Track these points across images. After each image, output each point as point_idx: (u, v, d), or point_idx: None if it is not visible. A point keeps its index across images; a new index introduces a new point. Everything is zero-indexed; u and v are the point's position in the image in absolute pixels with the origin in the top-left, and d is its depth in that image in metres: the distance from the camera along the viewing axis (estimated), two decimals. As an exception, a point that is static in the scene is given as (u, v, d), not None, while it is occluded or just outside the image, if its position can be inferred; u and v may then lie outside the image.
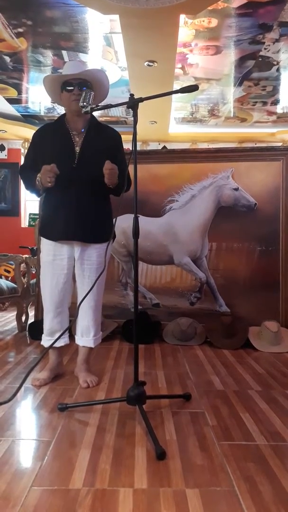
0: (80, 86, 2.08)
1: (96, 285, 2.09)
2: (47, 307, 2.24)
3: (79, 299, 2.13)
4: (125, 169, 2.02)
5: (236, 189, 3.49)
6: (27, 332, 3.55)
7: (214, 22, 3.58)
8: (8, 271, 5.26)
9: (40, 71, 4.56)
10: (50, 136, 2.19)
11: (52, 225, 2.17)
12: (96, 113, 2.19)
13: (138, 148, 6.43)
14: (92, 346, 2.28)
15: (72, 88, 2.09)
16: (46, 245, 2.22)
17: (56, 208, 2.15)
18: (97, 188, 2.13)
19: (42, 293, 2.28)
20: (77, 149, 2.13)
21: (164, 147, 6.46)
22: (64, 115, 2.23)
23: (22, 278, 3.93)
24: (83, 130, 2.16)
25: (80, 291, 2.24)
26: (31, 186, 2.16)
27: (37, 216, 3.94)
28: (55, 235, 2.17)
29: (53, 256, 2.19)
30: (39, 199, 3.61)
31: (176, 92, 1.84)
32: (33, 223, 6.35)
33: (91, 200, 2.14)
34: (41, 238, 2.26)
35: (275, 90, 5.02)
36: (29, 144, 2.31)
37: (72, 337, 2.38)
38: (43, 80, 2.17)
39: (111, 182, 2.02)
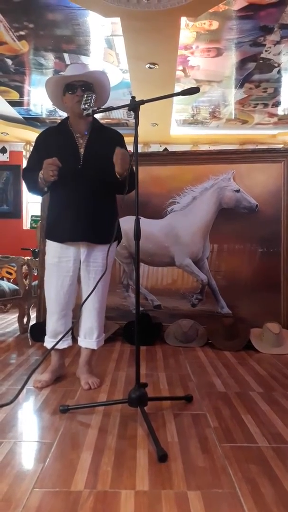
0: (83, 88, 2.09)
1: (100, 287, 2.09)
2: (52, 309, 2.24)
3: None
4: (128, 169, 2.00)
5: (238, 191, 3.49)
6: (28, 334, 3.55)
7: (215, 24, 3.59)
8: (10, 273, 5.27)
9: (42, 73, 4.57)
10: (54, 139, 2.20)
11: (59, 227, 2.17)
12: (97, 115, 2.20)
13: (140, 150, 6.44)
14: (95, 347, 2.28)
15: (75, 90, 2.10)
16: (52, 247, 2.22)
17: (62, 210, 2.16)
18: (102, 189, 2.14)
19: (46, 295, 2.27)
20: (82, 151, 2.14)
21: (165, 149, 6.48)
22: (67, 118, 2.24)
23: (24, 280, 3.94)
24: (86, 132, 2.17)
25: (85, 293, 2.23)
26: (34, 186, 2.15)
27: (39, 218, 3.95)
28: (62, 236, 2.17)
29: (59, 258, 2.19)
30: (41, 201, 3.64)
31: (178, 94, 1.85)
32: (35, 225, 6.35)
33: (97, 201, 2.15)
34: (47, 240, 2.25)
35: (276, 92, 5.02)
36: (32, 147, 2.31)
37: (74, 338, 2.38)
38: (46, 83, 2.17)
39: (123, 168, 1.97)
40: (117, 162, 1.97)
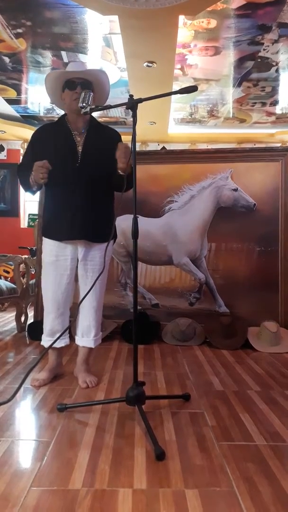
0: (83, 86, 2.08)
1: (98, 286, 2.09)
2: (49, 307, 2.23)
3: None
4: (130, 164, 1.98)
5: (235, 190, 3.49)
6: (26, 333, 3.55)
7: (213, 23, 3.58)
8: (8, 272, 5.26)
9: (40, 71, 4.56)
10: (51, 136, 2.18)
11: (57, 226, 2.16)
12: (95, 114, 2.19)
13: (138, 148, 6.44)
14: (93, 346, 2.28)
15: (75, 87, 2.09)
16: (48, 245, 2.21)
17: (60, 208, 2.15)
18: (99, 187, 2.14)
19: (43, 294, 2.27)
20: (80, 148, 2.13)
21: (164, 147, 6.47)
22: (64, 115, 2.23)
23: (22, 278, 3.93)
24: (83, 130, 2.17)
25: (83, 292, 2.23)
26: (26, 185, 2.13)
27: (37, 217, 3.95)
28: (60, 235, 2.16)
29: (56, 257, 2.19)
30: (38, 199, 3.63)
31: (176, 93, 1.84)
32: (33, 224, 6.35)
33: (94, 199, 2.14)
34: (44, 238, 2.25)
35: (274, 91, 5.02)
36: (28, 143, 2.30)
37: (71, 337, 2.38)
38: (46, 77, 2.16)
39: (125, 163, 1.92)
40: (120, 157, 1.95)
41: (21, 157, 6.84)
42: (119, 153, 1.95)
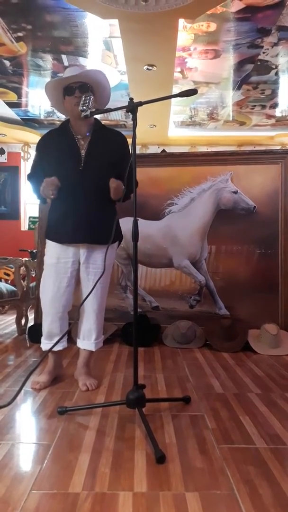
0: (81, 89, 2.09)
1: (100, 289, 2.09)
2: (47, 310, 2.23)
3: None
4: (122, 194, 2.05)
5: (235, 192, 3.50)
6: (26, 335, 3.55)
7: (213, 26, 3.60)
8: (8, 274, 5.26)
9: (40, 75, 4.57)
10: (55, 141, 2.20)
11: (60, 228, 2.17)
12: (95, 117, 2.20)
13: (138, 151, 6.44)
14: (93, 349, 2.28)
15: (73, 92, 2.10)
16: (51, 247, 2.22)
17: (64, 211, 2.16)
18: (103, 191, 2.14)
19: (42, 296, 2.26)
20: (83, 152, 2.14)
21: (164, 150, 6.48)
22: (67, 120, 2.24)
23: (22, 281, 3.93)
24: (88, 134, 2.17)
25: (85, 295, 2.22)
26: (38, 194, 2.21)
27: (37, 220, 3.95)
28: (63, 238, 2.17)
29: (57, 259, 2.19)
30: (38, 202, 3.64)
31: (175, 96, 1.85)
32: (33, 226, 6.35)
33: (98, 202, 2.15)
34: (47, 240, 2.25)
35: (274, 94, 5.04)
36: (35, 151, 2.32)
37: (71, 340, 2.38)
38: (45, 88, 2.18)
39: (116, 197, 2.08)
40: (111, 191, 2.07)
41: (21, 160, 6.86)
42: (111, 185, 2.06)
